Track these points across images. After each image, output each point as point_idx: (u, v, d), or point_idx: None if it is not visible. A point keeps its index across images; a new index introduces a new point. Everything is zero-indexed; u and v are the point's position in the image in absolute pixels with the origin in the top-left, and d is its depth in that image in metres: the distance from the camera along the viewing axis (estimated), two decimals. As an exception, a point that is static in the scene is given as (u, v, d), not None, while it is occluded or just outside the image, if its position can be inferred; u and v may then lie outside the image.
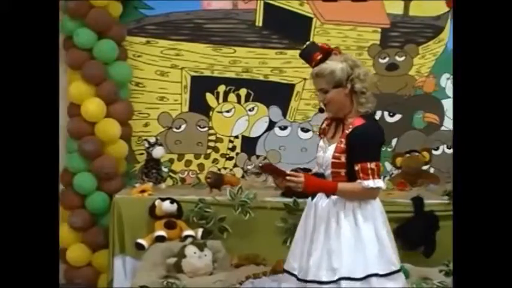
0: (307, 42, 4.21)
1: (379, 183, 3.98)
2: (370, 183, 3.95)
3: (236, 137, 6.54)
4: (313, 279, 4.02)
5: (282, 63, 6.46)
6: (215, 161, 6.54)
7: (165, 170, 6.37)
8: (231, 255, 5.57)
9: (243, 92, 6.49)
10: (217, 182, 5.94)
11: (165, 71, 6.45)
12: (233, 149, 6.53)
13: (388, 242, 4.06)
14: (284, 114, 6.51)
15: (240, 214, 5.62)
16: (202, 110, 6.51)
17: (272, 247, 5.58)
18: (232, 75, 6.48)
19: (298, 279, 4.13)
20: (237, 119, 6.52)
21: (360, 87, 4.03)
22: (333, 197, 4.06)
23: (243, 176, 6.46)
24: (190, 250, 5.29)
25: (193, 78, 6.48)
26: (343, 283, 3.94)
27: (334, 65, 4.00)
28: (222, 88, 6.48)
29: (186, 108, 6.50)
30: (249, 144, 6.54)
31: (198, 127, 6.52)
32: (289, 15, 6.44)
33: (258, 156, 6.50)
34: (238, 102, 6.49)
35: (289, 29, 6.44)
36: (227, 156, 6.54)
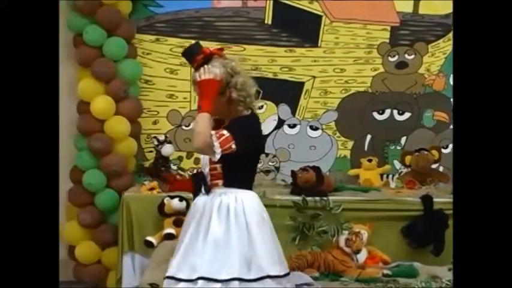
0: (192, 42, 4.08)
1: (217, 149, 3.79)
2: (216, 144, 3.78)
3: (245, 135, 6.52)
4: (172, 275, 3.94)
5: (291, 61, 6.46)
6: (224, 159, 6.53)
7: (174, 167, 6.37)
8: (239, 253, 5.56)
9: (252, 90, 6.48)
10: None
11: (174, 68, 6.45)
12: (242, 147, 6.52)
13: (261, 246, 3.94)
14: (293, 113, 6.51)
15: (249, 212, 5.60)
16: (211, 108, 6.50)
17: (281, 245, 5.54)
18: (241, 73, 6.47)
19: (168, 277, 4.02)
20: (246, 117, 6.51)
21: (236, 96, 3.93)
22: (210, 195, 3.99)
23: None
24: (199, 248, 5.28)
25: (202, 76, 6.47)
26: (200, 282, 3.85)
27: (213, 73, 3.86)
28: (231, 86, 6.47)
29: (195, 106, 6.49)
30: (258, 142, 6.52)
31: (207, 125, 6.51)
32: (299, 13, 6.43)
33: (267, 154, 6.49)
34: (248, 100, 6.48)
35: (298, 27, 6.45)
36: (236, 154, 6.53)
